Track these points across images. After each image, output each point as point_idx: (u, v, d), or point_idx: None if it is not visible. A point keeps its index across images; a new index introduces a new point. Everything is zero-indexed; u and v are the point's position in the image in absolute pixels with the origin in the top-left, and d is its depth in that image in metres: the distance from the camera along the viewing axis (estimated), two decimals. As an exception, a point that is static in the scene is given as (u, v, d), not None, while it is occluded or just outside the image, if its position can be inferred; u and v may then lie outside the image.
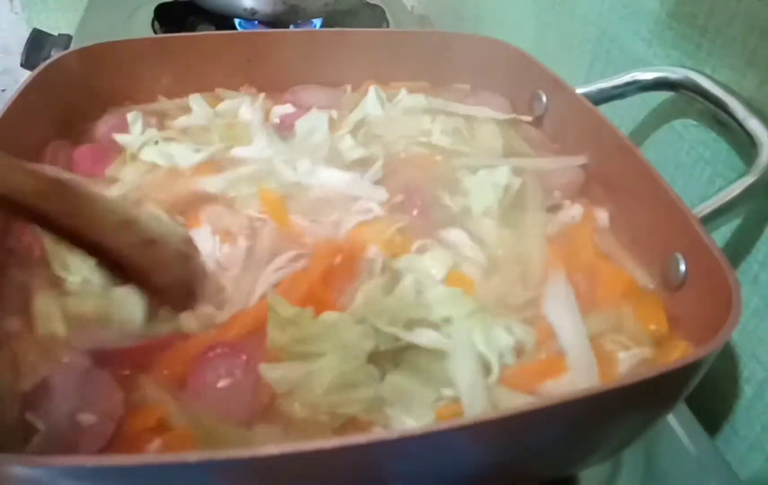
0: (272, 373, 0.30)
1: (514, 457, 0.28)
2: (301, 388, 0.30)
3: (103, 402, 0.29)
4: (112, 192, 0.40)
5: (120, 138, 0.45)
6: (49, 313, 0.33)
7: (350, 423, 0.29)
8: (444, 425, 0.26)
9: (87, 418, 0.28)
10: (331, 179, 0.43)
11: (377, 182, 0.43)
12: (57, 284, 0.34)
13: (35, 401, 0.29)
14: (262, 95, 0.50)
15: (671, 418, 0.40)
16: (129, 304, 0.31)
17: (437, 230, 0.39)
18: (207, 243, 0.37)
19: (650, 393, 0.28)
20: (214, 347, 0.32)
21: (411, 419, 0.29)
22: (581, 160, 0.45)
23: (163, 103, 0.50)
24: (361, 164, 0.45)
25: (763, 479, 0.40)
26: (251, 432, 0.29)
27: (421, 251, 0.38)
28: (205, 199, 0.41)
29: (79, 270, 0.35)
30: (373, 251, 0.37)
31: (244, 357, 0.31)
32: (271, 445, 0.22)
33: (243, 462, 0.22)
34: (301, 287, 0.34)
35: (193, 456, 0.22)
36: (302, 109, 0.50)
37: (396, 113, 0.51)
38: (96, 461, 0.22)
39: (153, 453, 0.27)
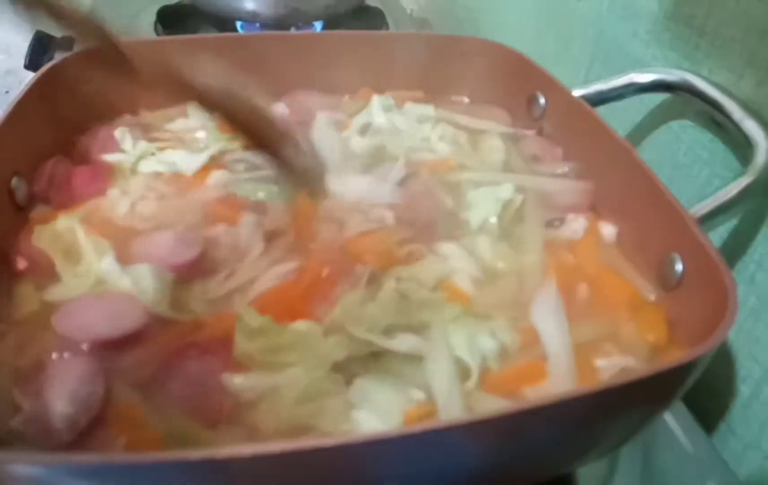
0: (237, 382, 0.30)
1: (510, 457, 0.28)
2: (267, 398, 0.30)
3: (85, 394, 0.29)
4: (121, 206, 0.41)
5: (111, 158, 0.45)
6: (27, 295, 0.34)
7: (318, 431, 0.29)
8: (443, 424, 0.26)
9: (64, 407, 0.28)
10: (355, 185, 0.43)
11: (400, 183, 0.43)
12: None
13: (28, 378, 0.30)
14: None
15: (668, 416, 0.40)
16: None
17: (435, 242, 0.39)
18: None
19: (646, 392, 0.28)
20: (188, 347, 0.32)
21: (379, 422, 0.29)
22: (588, 185, 0.44)
23: (146, 116, 0.50)
24: (373, 158, 0.46)
25: (760, 477, 0.40)
26: (220, 435, 0.29)
27: (411, 259, 0.38)
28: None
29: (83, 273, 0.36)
30: (365, 262, 0.37)
31: (216, 361, 0.31)
32: (271, 443, 0.22)
33: (239, 463, 0.22)
34: (283, 298, 0.35)
35: (194, 454, 0.22)
36: (299, 111, 0.51)
37: (400, 122, 0.51)
38: (97, 460, 0.23)
39: (153, 453, 0.27)
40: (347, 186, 0.42)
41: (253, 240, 0.38)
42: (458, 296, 0.36)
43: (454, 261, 0.38)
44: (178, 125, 0.49)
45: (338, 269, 0.36)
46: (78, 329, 0.32)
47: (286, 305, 0.34)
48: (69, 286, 0.35)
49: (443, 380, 0.31)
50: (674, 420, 0.40)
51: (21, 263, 0.36)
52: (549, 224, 0.42)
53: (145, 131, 0.48)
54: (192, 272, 0.36)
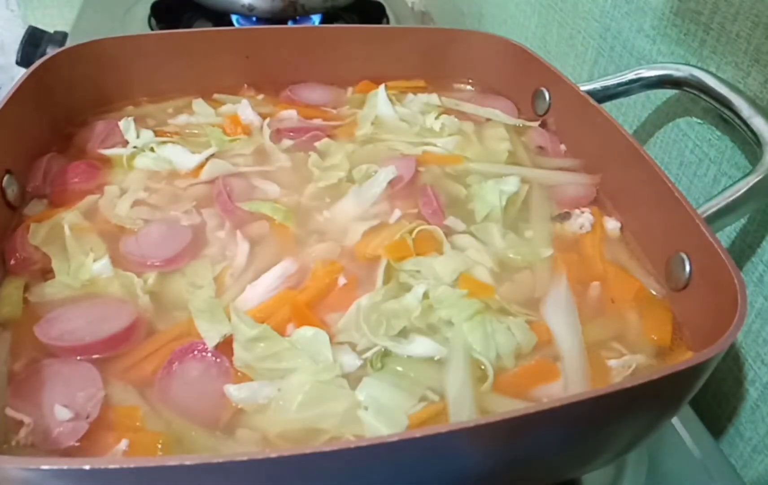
0: (239, 393, 0.30)
1: (520, 460, 0.28)
2: (271, 405, 0.29)
3: (83, 399, 0.29)
4: (123, 203, 0.40)
5: (109, 152, 0.44)
6: (10, 296, 0.33)
7: (323, 434, 0.29)
8: (449, 427, 0.26)
9: (63, 413, 0.28)
10: (345, 205, 0.42)
11: (391, 183, 0.43)
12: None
13: (23, 384, 0.29)
14: (268, 120, 0.49)
15: (675, 421, 0.39)
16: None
17: (448, 235, 0.39)
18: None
19: (656, 395, 0.28)
20: (190, 348, 0.31)
21: (384, 425, 0.29)
22: (594, 179, 0.44)
23: (151, 107, 0.49)
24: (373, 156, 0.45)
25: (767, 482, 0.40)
26: (220, 438, 0.28)
27: (425, 246, 0.38)
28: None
29: (77, 270, 0.35)
30: (379, 259, 0.37)
31: (216, 366, 0.31)
32: (267, 449, 0.22)
33: (237, 465, 0.22)
34: (287, 305, 0.34)
35: (189, 459, 0.22)
36: (303, 105, 0.50)
37: (405, 114, 0.50)
38: (97, 463, 0.22)
39: (156, 457, 0.27)
40: (337, 210, 0.41)
41: (240, 244, 0.38)
42: (481, 290, 0.35)
43: (472, 253, 0.38)
44: (182, 120, 0.48)
45: (351, 274, 0.36)
46: (59, 338, 0.31)
47: (291, 311, 0.33)
48: (58, 287, 0.34)
49: (456, 384, 0.30)
50: (681, 425, 0.39)
51: (14, 262, 0.35)
52: (555, 218, 0.42)
53: (149, 123, 0.47)
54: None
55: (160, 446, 0.28)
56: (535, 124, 0.50)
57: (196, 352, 0.31)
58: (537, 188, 0.44)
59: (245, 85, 0.52)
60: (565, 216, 0.42)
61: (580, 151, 0.47)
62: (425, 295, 0.34)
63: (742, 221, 0.42)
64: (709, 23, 0.44)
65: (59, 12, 1.04)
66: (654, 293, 0.37)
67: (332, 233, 0.39)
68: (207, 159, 0.44)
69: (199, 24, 0.78)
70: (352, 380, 0.30)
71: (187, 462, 0.22)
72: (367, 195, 0.42)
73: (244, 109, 0.49)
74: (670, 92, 0.48)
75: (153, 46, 0.50)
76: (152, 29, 0.75)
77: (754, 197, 0.37)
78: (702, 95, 0.42)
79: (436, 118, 0.50)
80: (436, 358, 0.32)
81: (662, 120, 0.50)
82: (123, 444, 0.28)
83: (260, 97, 0.52)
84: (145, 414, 0.29)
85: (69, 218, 0.38)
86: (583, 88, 0.46)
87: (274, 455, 0.22)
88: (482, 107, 0.52)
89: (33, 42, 0.69)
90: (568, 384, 0.32)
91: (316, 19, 0.77)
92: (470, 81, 0.56)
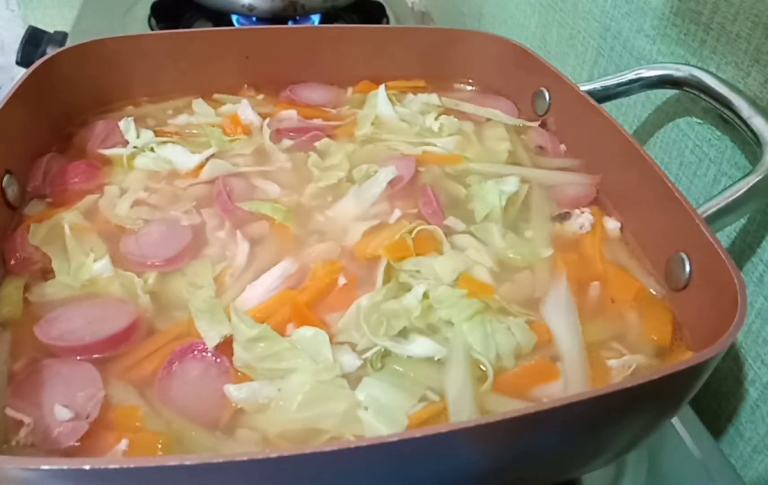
0: (239, 393, 0.30)
1: (520, 460, 0.28)
2: (271, 405, 0.30)
3: (84, 398, 0.29)
4: (123, 203, 0.40)
5: (109, 152, 0.44)
6: (10, 296, 0.33)
7: (323, 434, 0.29)
8: (449, 427, 0.26)
9: (63, 413, 0.28)
10: (345, 205, 0.42)
11: (391, 183, 0.43)
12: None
13: (24, 384, 0.29)
14: (268, 120, 0.49)
15: (675, 420, 0.39)
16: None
17: (448, 235, 0.39)
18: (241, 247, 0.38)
19: (656, 395, 0.28)
20: (190, 348, 0.31)
21: (384, 425, 0.29)
22: (594, 179, 0.44)
23: (151, 107, 0.49)
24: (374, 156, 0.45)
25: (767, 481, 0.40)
26: (220, 438, 0.28)
27: (425, 246, 0.38)
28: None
29: (77, 270, 0.35)
30: (379, 259, 0.37)
31: (216, 365, 0.31)
32: (267, 450, 0.22)
33: (237, 465, 0.22)
34: (287, 305, 0.34)
35: (189, 459, 0.22)
36: (303, 105, 0.50)
37: (405, 114, 0.51)
38: (97, 463, 0.22)
39: (156, 457, 0.27)
40: (337, 210, 0.41)
41: (240, 244, 0.38)
42: (481, 290, 0.35)
43: (472, 253, 0.38)
44: (182, 120, 0.49)
45: (351, 274, 0.36)
46: (59, 338, 0.31)
47: (291, 311, 0.34)
48: (58, 287, 0.34)
49: (456, 384, 0.31)
50: (681, 425, 0.39)
51: (14, 262, 0.36)
52: (555, 218, 0.42)
53: (149, 123, 0.48)
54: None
55: (160, 446, 0.28)
56: (535, 124, 0.50)
57: (196, 352, 0.31)
58: (537, 188, 0.44)
59: (245, 85, 0.52)
60: (565, 216, 0.42)
61: (580, 151, 0.47)
62: (425, 295, 0.34)
63: (742, 221, 0.42)
64: (709, 23, 0.44)
65: (59, 12, 1.04)
66: (654, 293, 0.37)
67: (332, 233, 0.39)
68: (207, 159, 0.44)
69: (199, 24, 0.78)
70: (352, 380, 0.30)
71: (187, 462, 0.22)
72: (367, 195, 0.42)
73: (244, 109, 0.49)
74: (670, 92, 0.48)
75: (153, 46, 0.50)
76: (152, 29, 0.75)
77: (754, 197, 0.37)
78: (702, 95, 0.42)
79: (436, 118, 0.50)
80: (436, 358, 0.32)
81: (662, 120, 0.50)
82: (123, 444, 0.28)
83: (260, 97, 0.52)
84: (145, 414, 0.29)
85: (69, 218, 0.38)
86: (583, 88, 0.46)
87: (274, 455, 0.22)
88: (482, 107, 0.52)
89: (33, 42, 0.69)
90: (568, 384, 0.32)
91: (316, 19, 0.77)
92: (470, 81, 0.56)
